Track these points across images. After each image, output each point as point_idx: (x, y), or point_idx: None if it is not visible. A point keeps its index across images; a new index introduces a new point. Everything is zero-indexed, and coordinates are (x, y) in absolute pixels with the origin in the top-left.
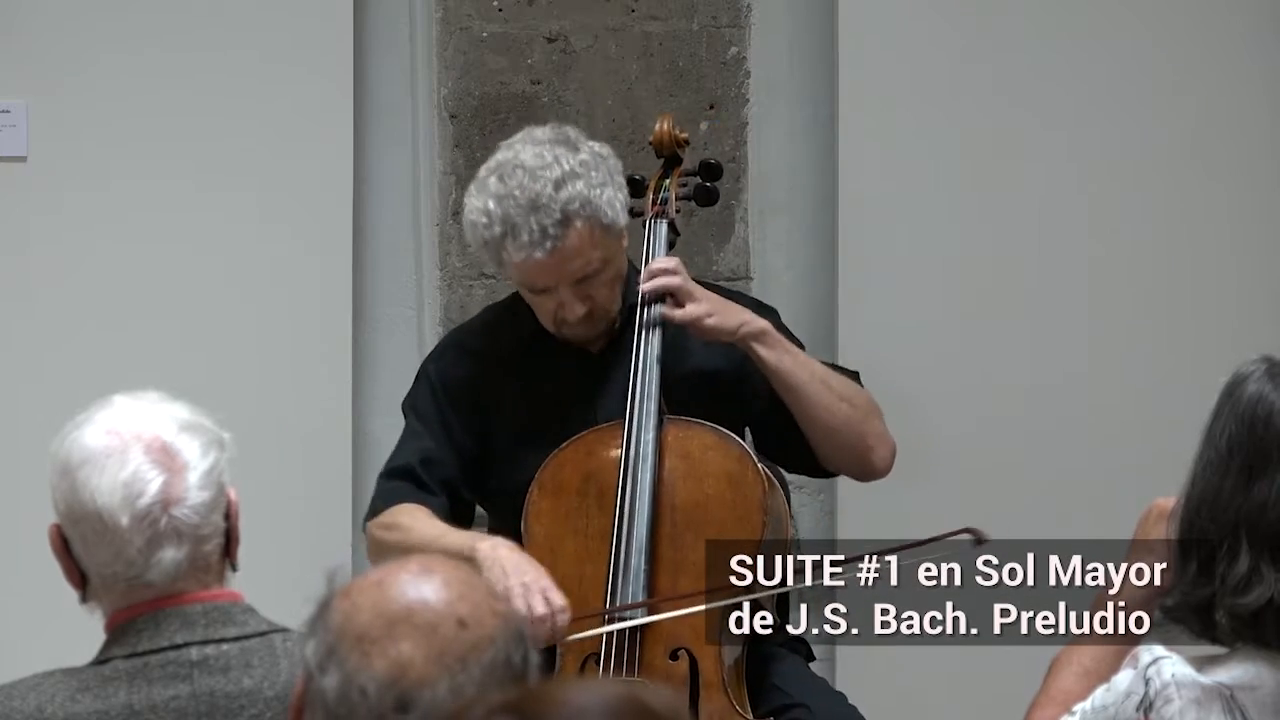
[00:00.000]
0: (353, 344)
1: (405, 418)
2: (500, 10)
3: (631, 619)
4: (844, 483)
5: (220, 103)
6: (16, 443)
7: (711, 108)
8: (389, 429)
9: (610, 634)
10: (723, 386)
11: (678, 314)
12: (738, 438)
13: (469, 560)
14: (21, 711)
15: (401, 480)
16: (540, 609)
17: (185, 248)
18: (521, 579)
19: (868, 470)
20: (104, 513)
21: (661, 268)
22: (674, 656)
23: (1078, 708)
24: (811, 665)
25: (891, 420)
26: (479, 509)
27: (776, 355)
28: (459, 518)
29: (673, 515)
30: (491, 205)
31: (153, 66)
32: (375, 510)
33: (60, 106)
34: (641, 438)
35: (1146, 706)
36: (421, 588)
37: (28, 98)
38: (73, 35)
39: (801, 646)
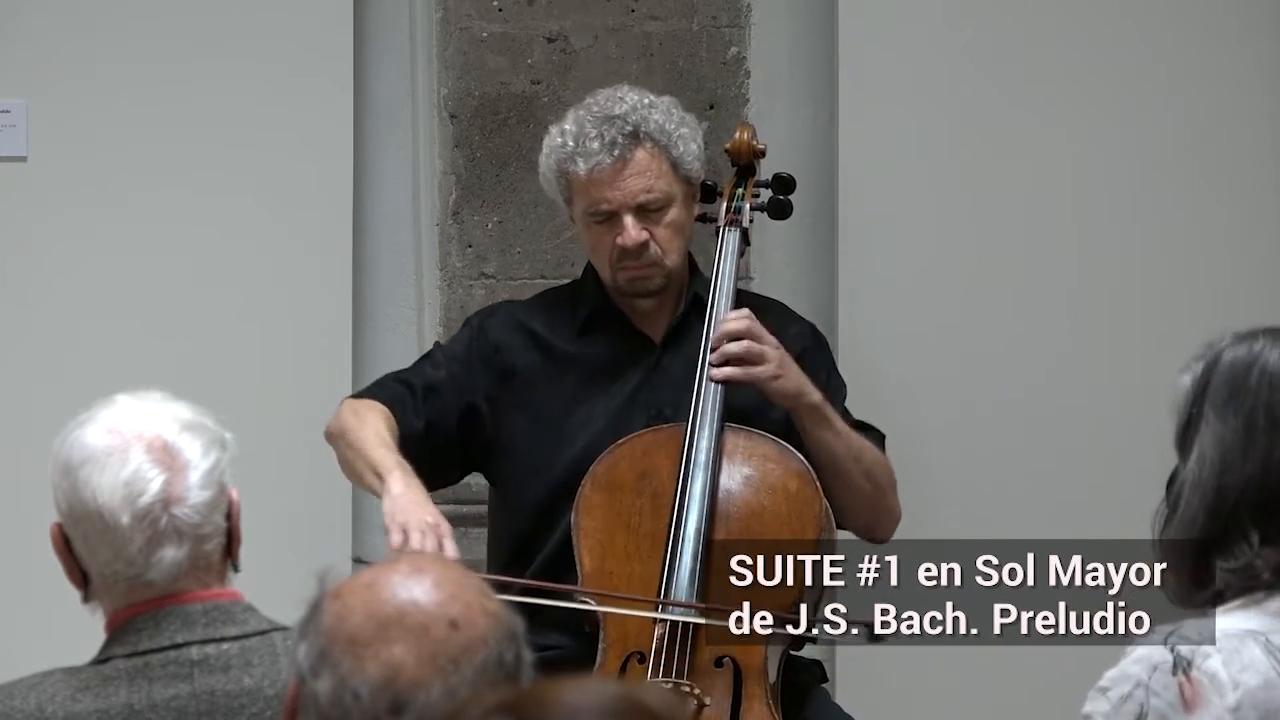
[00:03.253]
0: (353, 344)
1: (432, 348)
2: (500, 10)
3: (681, 615)
4: None
5: (220, 103)
6: (17, 442)
7: (711, 108)
8: None
9: (663, 634)
10: (777, 412)
11: (742, 373)
12: (798, 453)
13: (380, 479)
14: (22, 711)
15: (399, 387)
16: (428, 545)
17: (185, 248)
18: (423, 517)
19: (868, 538)
20: (105, 512)
21: (736, 329)
22: (719, 663)
23: (1106, 677)
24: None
25: (891, 419)
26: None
27: (820, 431)
28: (436, 462)
29: (727, 524)
30: (568, 125)
31: (153, 67)
32: (362, 393)
33: (60, 106)
34: (701, 443)
35: (1185, 666)
36: (412, 589)
37: (28, 98)
38: (73, 35)
39: (817, 669)
